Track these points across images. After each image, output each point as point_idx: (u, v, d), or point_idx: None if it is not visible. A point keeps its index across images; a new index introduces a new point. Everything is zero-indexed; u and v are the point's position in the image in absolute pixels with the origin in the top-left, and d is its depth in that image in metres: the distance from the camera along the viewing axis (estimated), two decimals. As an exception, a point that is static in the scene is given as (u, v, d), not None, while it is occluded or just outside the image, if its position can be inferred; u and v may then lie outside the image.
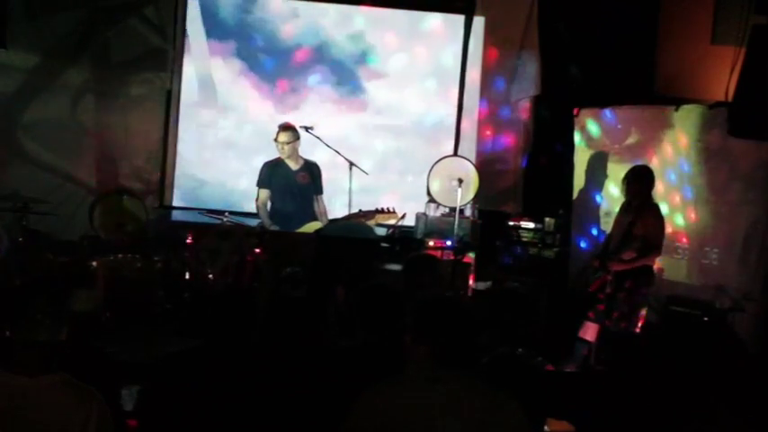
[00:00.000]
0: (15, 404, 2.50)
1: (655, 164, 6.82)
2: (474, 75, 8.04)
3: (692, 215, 6.66)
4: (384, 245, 6.65)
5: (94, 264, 6.28)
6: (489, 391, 2.54)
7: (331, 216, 6.89)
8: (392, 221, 6.58)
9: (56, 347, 2.61)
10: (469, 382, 2.55)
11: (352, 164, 6.73)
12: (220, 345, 3.04)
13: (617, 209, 6.48)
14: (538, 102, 7.92)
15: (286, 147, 6.67)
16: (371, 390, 2.56)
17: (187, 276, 7.09)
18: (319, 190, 6.86)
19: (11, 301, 2.64)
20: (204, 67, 8.05)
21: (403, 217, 6.67)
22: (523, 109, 7.97)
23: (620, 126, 7.37)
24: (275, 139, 6.70)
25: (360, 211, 6.61)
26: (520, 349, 4.05)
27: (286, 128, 6.72)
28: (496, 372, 3.14)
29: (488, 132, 8.10)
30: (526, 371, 3.18)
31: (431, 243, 6.70)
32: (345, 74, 8.10)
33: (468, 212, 7.27)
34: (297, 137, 6.71)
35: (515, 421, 2.52)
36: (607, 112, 7.47)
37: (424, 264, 4.25)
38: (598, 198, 7.52)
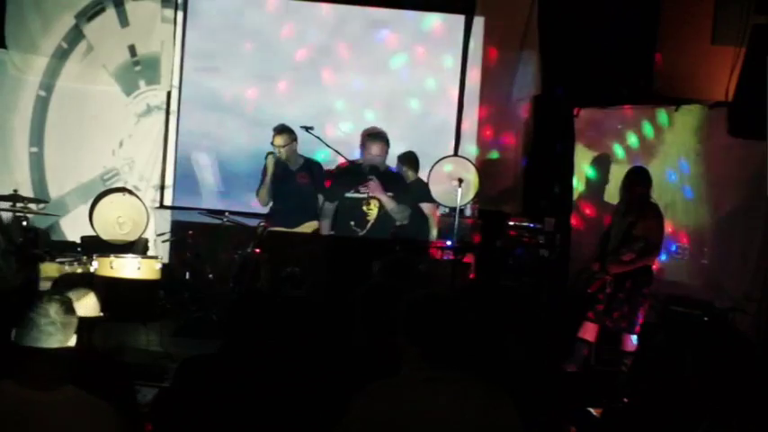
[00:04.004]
0: (27, 420, 2.38)
1: (655, 164, 6.82)
2: (474, 75, 8.05)
3: (692, 215, 6.66)
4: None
5: (94, 264, 6.28)
6: (487, 392, 2.52)
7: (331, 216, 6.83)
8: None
9: (67, 357, 2.50)
10: (468, 382, 2.52)
11: (352, 163, 6.71)
12: (238, 349, 3.00)
13: (616, 209, 6.47)
14: (538, 102, 7.92)
15: (283, 150, 6.58)
16: (367, 392, 2.50)
17: (187, 276, 7.11)
18: (321, 189, 6.80)
19: (16, 308, 2.55)
20: (203, 68, 8.07)
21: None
22: (523, 109, 7.97)
23: (620, 126, 7.37)
24: (271, 143, 6.63)
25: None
26: None
27: (281, 131, 6.61)
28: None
29: (488, 132, 8.11)
30: None
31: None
32: (345, 74, 8.11)
33: (468, 212, 7.26)
34: (293, 138, 6.64)
35: (511, 422, 2.51)
36: (607, 112, 7.47)
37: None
38: (598, 198, 7.52)
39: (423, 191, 6.59)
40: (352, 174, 6.15)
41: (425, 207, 6.69)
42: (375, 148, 6.01)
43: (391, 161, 6.64)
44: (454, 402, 2.44)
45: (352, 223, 6.02)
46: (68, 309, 2.57)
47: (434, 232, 6.76)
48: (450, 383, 2.48)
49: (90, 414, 2.48)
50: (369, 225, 6.02)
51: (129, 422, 2.83)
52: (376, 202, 5.97)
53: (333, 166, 6.93)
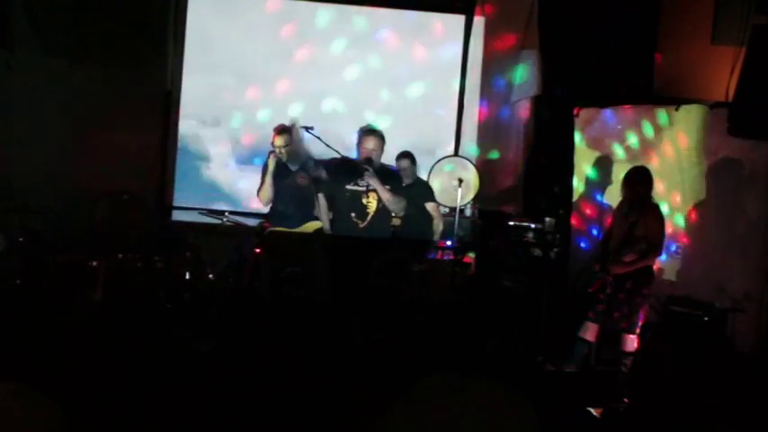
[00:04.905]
0: None
1: (655, 164, 6.82)
2: (474, 75, 8.05)
3: (692, 215, 6.66)
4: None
5: (94, 264, 6.28)
6: (511, 398, 2.51)
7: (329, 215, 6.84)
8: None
9: (14, 353, 2.49)
10: (493, 389, 2.51)
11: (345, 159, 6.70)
12: (236, 348, 3.02)
13: (617, 209, 6.47)
14: (538, 102, 7.92)
15: (283, 150, 6.59)
16: (396, 405, 2.47)
17: (187, 276, 7.10)
18: (317, 181, 6.79)
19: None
20: (203, 67, 8.07)
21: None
22: (523, 109, 7.97)
23: (620, 126, 7.37)
24: (271, 143, 6.63)
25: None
26: None
27: (281, 131, 6.61)
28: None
29: (488, 132, 8.10)
30: None
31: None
32: (345, 74, 8.11)
33: (468, 212, 7.27)
34: (293, 138, 6.65)
35: (532, 427, 2.51)
36: (607, 112, 7.48)
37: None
38: (599, 198, 7.52)
39: (426, 191, 6.62)
40: (348, 168, 6.19)
41: (430, 207, 6.72)
42: (370, 143, 6.06)
43: (389, 160, 6.64)
44: (482, 410, 2.44)
45: (353, 215, 6.07)
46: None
47: (439, 232, 6.79)
48: (477, 391, 2.47)
49: (31, 410, 2.42)
50: (369, 217, 6.06)
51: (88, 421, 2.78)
52: (375, 195, 6.02)
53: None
